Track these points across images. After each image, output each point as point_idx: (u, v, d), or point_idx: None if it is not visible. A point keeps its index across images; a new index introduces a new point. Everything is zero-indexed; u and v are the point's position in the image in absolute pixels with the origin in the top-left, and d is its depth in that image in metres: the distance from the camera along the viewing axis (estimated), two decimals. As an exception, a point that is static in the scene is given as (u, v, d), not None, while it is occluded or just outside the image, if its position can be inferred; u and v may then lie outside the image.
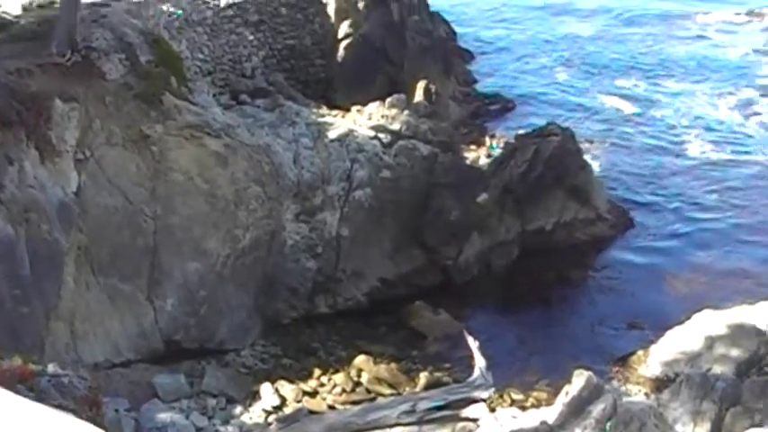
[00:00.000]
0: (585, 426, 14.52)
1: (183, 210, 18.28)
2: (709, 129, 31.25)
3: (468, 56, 36.20)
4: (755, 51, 38.53)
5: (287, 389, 17.43)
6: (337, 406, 17.22)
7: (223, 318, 18.90)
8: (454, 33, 36.32)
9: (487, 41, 39.07)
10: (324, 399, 17.55)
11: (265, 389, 17.17)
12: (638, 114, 32.45)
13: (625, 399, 16.47)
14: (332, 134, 21.50)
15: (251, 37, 24.45)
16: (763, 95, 33.74)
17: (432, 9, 33.28)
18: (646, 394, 18.52)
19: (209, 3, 23.29)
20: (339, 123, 22.21)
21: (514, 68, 36.59)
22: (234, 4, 24.25)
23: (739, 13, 43.21)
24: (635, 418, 14.46)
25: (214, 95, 20.78)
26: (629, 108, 32.86)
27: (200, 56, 21.41)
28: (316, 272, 20.38)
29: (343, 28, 27.36)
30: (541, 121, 27.16)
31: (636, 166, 28.49)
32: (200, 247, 18.46)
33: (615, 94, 34.01)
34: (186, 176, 18.30)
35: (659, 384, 18.57)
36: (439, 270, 22.18)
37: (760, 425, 15.50)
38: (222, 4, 24.16)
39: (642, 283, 22.60)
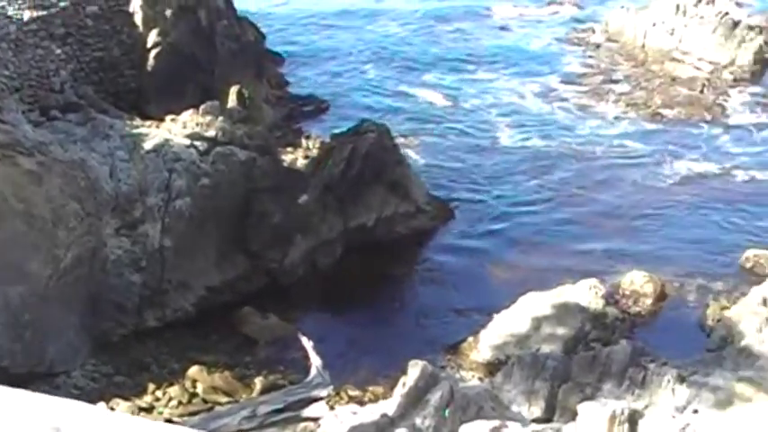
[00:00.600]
0: (425, 415, 15.75)
1: (0, 233, 18.86)
2: (518, 117, 34.59)
3: (279, 59, 37.91)
4: (557, 40, 42.58)
5: (122, 406, 18.24)
6: (175, 419, 17.91)
7: (50, 340, 19.53)
8: (263, 37, 37.65)
9: (298, 44, 40.87)
10: (160, 413, 18.45)
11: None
12: (450, 107, 35.36)
13: (461, 385, 17.98)
14: (147, 145, 22.50)
15: (58, 50, 24.81)
16: (565, 82, 37.58)
17: (239, 13, 34.37)
18: (480, 378, 20.44)
19: (11, 17, 23.41)
20: (154, 134, 23.18)
21: (326, 70, 38.68)
22: (38, 17, 24.53)
23: (541, 5, 47.32)
24: (472, 403, 15.84)
25: (23, 112, 21.04)
26: (441, 101, 35.78)
27: (6, 72, 21.66)
28: (141, 285, 21.31)
29: (152, 37, 28.19)
30: (356, 120, 29.02)
31: (452, 158, 31.19)
32: (21, 270, 18.97)
33: (427, 89, 36.79)
34: (0, 198, 18.93)
35: (492, 368, 20.56)
36: (265, 274, 23.60)
37: (591, 398, 17.11)
38: (26, 18, 24.33)
39: (466, 272, 24.98)
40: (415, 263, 26.51)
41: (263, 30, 38.17)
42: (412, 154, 30.20)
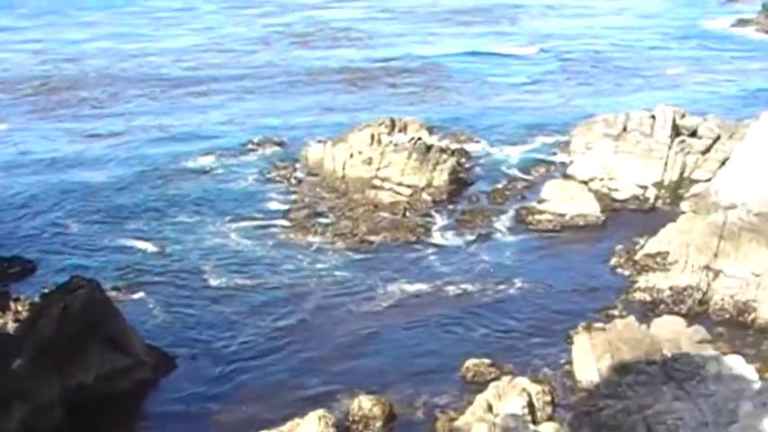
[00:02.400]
0: None
1: None
2: (225, 259, 40.64)
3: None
4: (259, 179, 50.90)
5: None
6: None
7: None
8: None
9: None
10: None
11: None
12: (158, 254, 40.97)
13: None
14: None
15: None
16: (269, 219, 45.17)
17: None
18: None
19: None
20: None
21: (30, 227, 43.85)
22: None
23: (240, 149, 56.95)
24: None
25: None
26: (148, 250, 41.58)
27: None
28: None
29: None
30: (65, 277, 32.98)
31: (166, 307, 36.07)
32: None
33: (133, 239, 42.73)
34: None
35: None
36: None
37: None
38: None
39: (191, 420, 29.02)
40: (139, 418, 30.09)
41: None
42: (126, 306, 34.17)
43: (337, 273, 39.61)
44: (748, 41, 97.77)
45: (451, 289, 37.99)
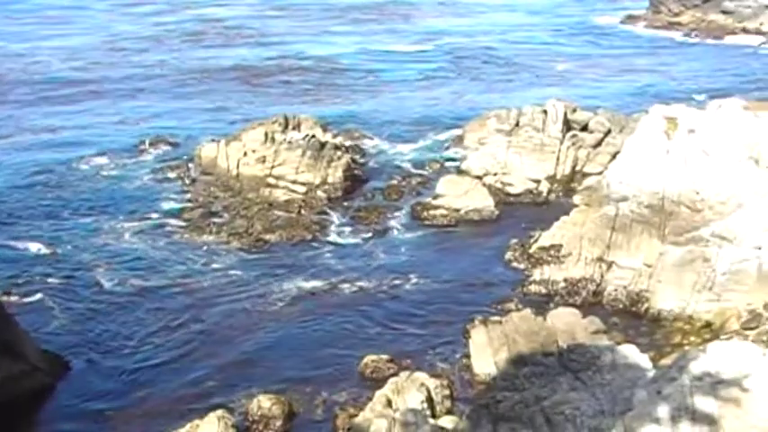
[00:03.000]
0: None
1: None
2: (119, 259, 39.98)
3: None
4: (152, 179, 50.36)
5: None
6: None
7: None
8: None
9: None
10: None
11: None
12: (50, 256, 40.18)
13: None
14: None
15: None
16: (164, 219, 44.46)
17: None
18: None
19: None
20: None
21: None
22: None
23: (132, 152, 55.77)
24: None
25: None
26: (41, 252, 40.73)
27: None
28: None
29: None
30: None
31: (60, 310, 35.32)
32: None
33: (24, 241, 41.97)
34: None
35: None
36: None
37: None
38: None
39: (91, 426, 28.48)
40: (35, 426, 29.44)
41: None
42: (19, 311, 33.35)
43: (233, 272, 39.21)
44: (636, 37, 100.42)
45: (347, 286, 37.88)
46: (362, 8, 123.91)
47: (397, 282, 38.14)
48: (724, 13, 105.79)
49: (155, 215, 45.74)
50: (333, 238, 43.02)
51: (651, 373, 23.80)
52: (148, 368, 31.95)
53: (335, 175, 48.01)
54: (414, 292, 37.43)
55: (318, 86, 75.37)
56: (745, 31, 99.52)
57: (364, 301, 36.73)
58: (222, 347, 33.23)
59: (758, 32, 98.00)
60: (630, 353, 25.63)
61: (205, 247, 41.72)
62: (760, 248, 33.07)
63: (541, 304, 34.88)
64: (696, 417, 19.30)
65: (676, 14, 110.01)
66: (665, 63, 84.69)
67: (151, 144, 57.00)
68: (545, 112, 49.32)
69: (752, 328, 32.09)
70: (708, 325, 32.91)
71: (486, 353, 30.51)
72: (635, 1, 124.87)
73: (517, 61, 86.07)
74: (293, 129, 50.56)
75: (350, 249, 41.80)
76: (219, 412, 27.36)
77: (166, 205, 47.00)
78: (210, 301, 36.81)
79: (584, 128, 50.38)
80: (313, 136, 49.01)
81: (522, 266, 38.61)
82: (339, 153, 49.28)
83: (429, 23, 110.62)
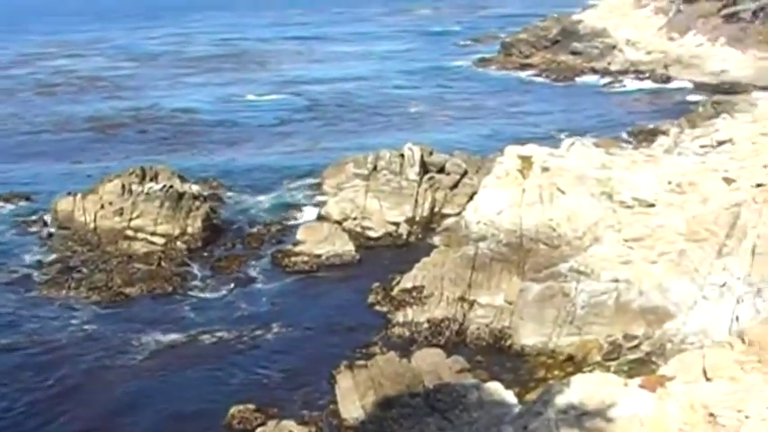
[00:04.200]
0: None
1: None
2: None
3: None
4: (6, 237, 48.92)
5: None
6: None
7: None
8: None
9: None
10: None
11: None
12: None
13: None
14: None
15: None
16: (21, 275, 43.11)
17: None
18: None
19: None
20: None
21: None
22: None
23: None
24: None
25: None
26: None
27: None
28: None
29: None
30: None
31: None
32: None
33: None
34: None
35: None
36: None
37: None
38: None
39: None
40: None
41: None
42: None
43: (91, 327, 37.99)
44: (489, 79, 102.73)
45: (208, 337, 37.09)
46: (218, 57, 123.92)
47: (259, 331, 37.45)
48: (573, 53, 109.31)
49: (10, 271, 44.22)
50: (194, 289, 42.11)
51: (517, 409, 23.94)
52: (2, 433, 29.95)
53: (195, 225, 47.22)
54: (277, 340, 36.84)
55: (175, 137, 74.54)
56: (593, 70, 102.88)
57: (227, 351, 35.93)
58: (79, 407, 31.99)
59: (606, 72, 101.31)
60: (496, 390, 25.76)
61: (63, 303, 40.33)
62: (617, 281, 33.80)
63: (406, 346, 34.72)
64: (563, 451, 19.38)
65: (527, 56, 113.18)
66: (518, 104, 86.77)
67: (6, 200, 55.25)
68: (402, 155, 49.61)
69: (613, 359, 32.75)
70: (570, 358, 33.34)
71: (353, 398, 30.20)
72: (487, 45, 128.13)
73: (373, 106, 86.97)
74: (150, 180, 49.45)
75: (211, 300, 41.01)
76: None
77: (23, 261, 45.46)
78: (68, 358, 35.44)
79: (441, 170, 50.87)
80: (171, 187, 48.08)
81: (385, 309, 38.42)
82: (198, 203, 48.51)
83: (286, 71, 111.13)
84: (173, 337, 37.10)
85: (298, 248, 45.23)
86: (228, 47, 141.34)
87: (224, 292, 41.86)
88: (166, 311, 39.63)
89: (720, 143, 40.94)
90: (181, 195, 47.97)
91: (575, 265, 34.65)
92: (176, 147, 70.17)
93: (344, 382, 30.99)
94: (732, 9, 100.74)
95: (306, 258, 44.29)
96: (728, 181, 36.32)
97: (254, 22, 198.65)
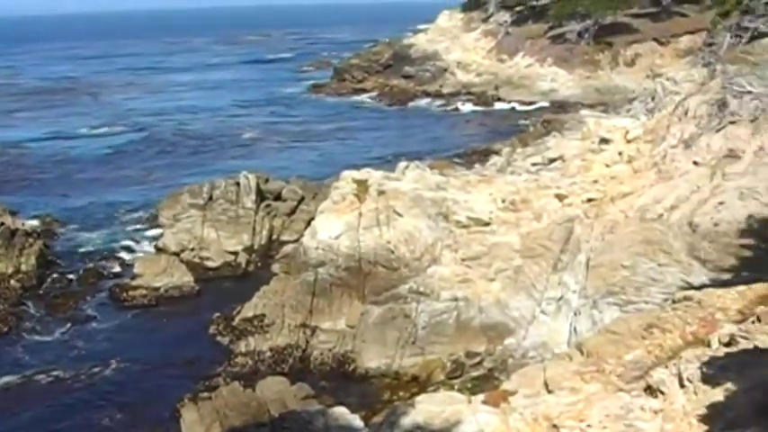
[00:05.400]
0: None
1: None
2: None
3: None
4: None
5: None
6: None
7: None
8: None
9: None
10: None
11: None
12: None
13: None
14: None
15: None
16: None
17: None
18: None
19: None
20: None
21: None
22: None
23: None
24: None
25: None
26: None
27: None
28: None
29: None
30: None
31: None
32: None
33: None
34: None
35: None
36: None
37: None
38: None
39: None
40: None
41: None
42: None
43: None
44: (322, 105, 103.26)
45: (44, 378, 35.48)
46: (49, 91, 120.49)
47: (97, 368, 36.00)
48: (406, 77, 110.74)
49: None
50: (29, 329, 40.21)
51: (365, 432, 23.68)
52: None
53: (29, 263, 45.29)
54: (117, 376, 35.51)
55: (6, 172, 71.77)
56: (426, 93, 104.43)
57: (64, 391, 34.43)
58: None
59: (438, 95, 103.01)
60: (342, 414, 25.41)
61: None
62: (456, 300, 34.06)
63: (250, 376, 34.02)
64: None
65: (360, 81, 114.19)
66: (353, 129, 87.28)
67: None
68: (237, 184, 48.95)
69: (456, 377, 32.98)
70: (415, 379, 33.36)
71: (199, 430, 29.37)
72: (320, 71, 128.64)
73: (208, 135, 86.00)
74: (-28, 219, 47.17)
75: (47, 339, 39.26)
76: None
77: None
78: None
79: (278, 197, 50.49)
80: (2, 224, 45.99)
81: (227, 340, 37.56)
82: (31, 240, 46.58)
83: (119, 103, 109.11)
84: (7, 379, 35.39)
85: (135, 282, 43.93)
86: (60, 79, 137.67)
87: (61, 330, 40.12)
88: (0, 353, 37.61)
89: (551, 161, 41.93)
90: (13, 233, 45.98)
91: (414, 286, 34.73)
92: (7, 183, 67.36)
93: (189, 416, 30.17)
94: (558, 30, 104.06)
95: (144, 292, 43.03)
96: (561, 197, 37.18)
97: (86, 53, 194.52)
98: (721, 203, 32.77)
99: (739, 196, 32.64)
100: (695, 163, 36.08)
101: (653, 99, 45.02)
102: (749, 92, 35.83)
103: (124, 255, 49.60)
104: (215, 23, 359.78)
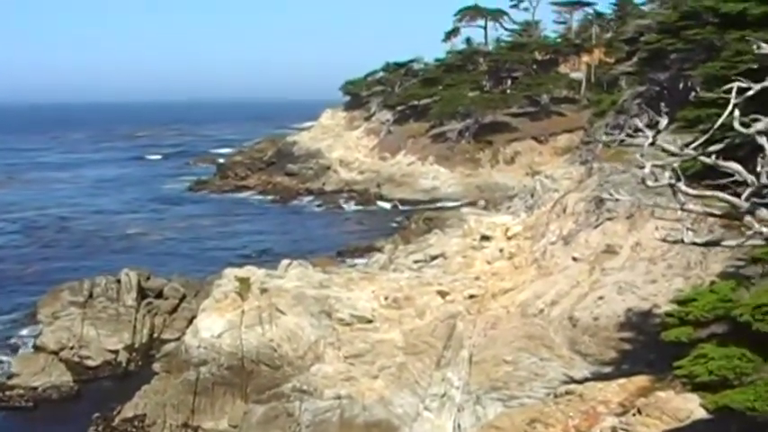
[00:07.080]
0: None
1: None
2: None
3: None
4: None
5: None
6: None
7: None
8: None
9: None
10: None
11: None
12: None
13: None
14: None
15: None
16: None
17: None
18: None
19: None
20: None
21: None
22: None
23: None
24: None
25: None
26: None
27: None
28: None
29: None
30: None
31: None
32: None
33: None
34: None
35: None
36: None
37: None
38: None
39: None
40: None
41: None
42: None
43: None
44: (205, 201, 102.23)
45: None
46: None
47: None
48: (289, 174, 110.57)
49: None
50: None
51: None
52: None
53: None
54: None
55: None
56: (309, 191, 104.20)
57: None
58: None
59: (321, 192, 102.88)
60: None
61: None
62: (340, 398, 33.42)
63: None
64: None
65: (243, 178, 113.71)
66: (236, 225, 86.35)
67: None
68: (119, 281, 47.66)
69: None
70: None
71: None
72: (203, 168, 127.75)
73: (90, 230, 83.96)
74: None
75: None
76: None
77: None
78: None
79: (160, 294, 49.28)
80: None
81: (106, 442, 35.94)
82: None
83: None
84: None
85: (12, 381, 41.99)
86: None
87: None
88: None
89: (433, 258, 42.03)
90: None
91: (297, 384, 34.05)
92: None
93: None
94: (440, 129, 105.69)
95: (21, 392, 41.17)
96: (443, 294, 37.17)
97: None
98: (600, 298, 33.13)
99: (618, 290, 33.06)
100: (574, 259, 36.54)
101: (532, 196, 45.77)
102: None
103: (0, 354, 47.20)
104: (94, 118, 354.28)
